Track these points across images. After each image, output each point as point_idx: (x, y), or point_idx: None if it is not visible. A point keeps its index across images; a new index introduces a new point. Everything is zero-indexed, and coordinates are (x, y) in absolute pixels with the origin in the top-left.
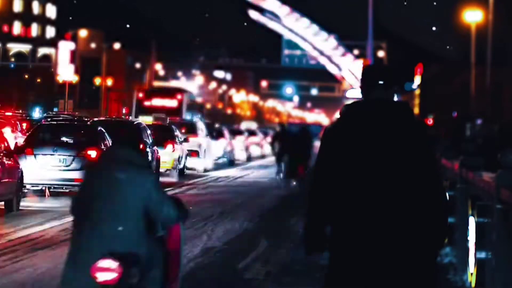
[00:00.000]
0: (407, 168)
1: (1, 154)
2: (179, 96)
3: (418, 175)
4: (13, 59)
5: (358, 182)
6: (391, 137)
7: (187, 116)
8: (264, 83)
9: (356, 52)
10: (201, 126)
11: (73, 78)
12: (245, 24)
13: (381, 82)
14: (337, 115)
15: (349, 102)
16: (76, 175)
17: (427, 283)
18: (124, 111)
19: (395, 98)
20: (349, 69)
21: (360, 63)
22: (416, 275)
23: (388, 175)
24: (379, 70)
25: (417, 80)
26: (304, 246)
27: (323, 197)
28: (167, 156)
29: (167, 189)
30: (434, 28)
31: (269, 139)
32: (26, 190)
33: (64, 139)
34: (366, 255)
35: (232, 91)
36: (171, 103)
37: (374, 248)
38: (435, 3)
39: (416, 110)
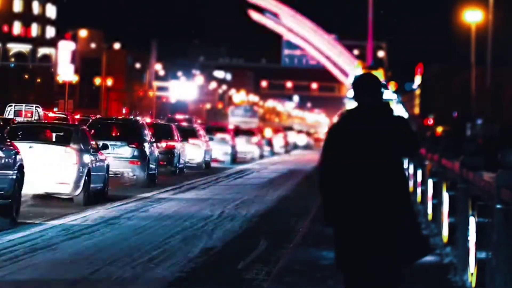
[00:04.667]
0: (390, 149)
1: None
2: None
3: (399, 144)
4: (13, 59)
5: (354, 164)
6: (377, 131)
7: None
8: (264, 83)
9: (356, 52)
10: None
11: (73, 78)
12: (245, 24)
13: (368, 90)
14: (336, 117)
15: (351, 103)
16: None
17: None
18: (124, 111)
19: (393, 98)
20: (349, 70)
21: (357, 64)
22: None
23: (375, 159)
24: (367, 79)
25: (417, 80)
26: (324, 218)
27: (330, 178)
28: None
29: (167, 188)
30: (433, 29)
31: None
32: None
33: None
34: (361, 212)
35: (232, 91)
36: None
37: (366, 206)
38: (435, 3)
39: (416, 110)
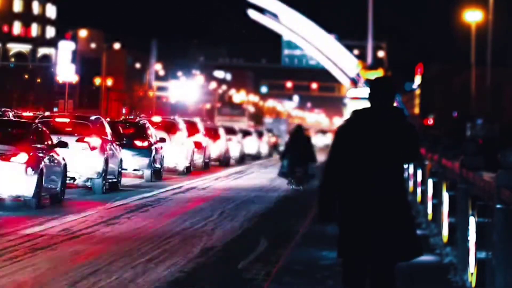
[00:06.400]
0: (396, 154)
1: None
2: None
3: (403, 155)
4: (13, 59)
5: (361, 166)
6: (385, 134)
7: None
8: (264, 89)
9: (356, 52)
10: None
11: (73, 78)
12: (245, 24)
13: (384, 94)
14: (345, 117)
15: (352, 103)
16: None
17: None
18: (124, 111)
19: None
20: (349, 70)
21: (357, 64)
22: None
23: (382, 162)
24: (383, 83)
25: (417, 80)
26: (318, 216)
27: (334, 177)
28: None
29: (166, 189)
30: (433, 29)
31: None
32: None
33: None
34: (366, 214)
35: (232, 91)
36: None
37: (371, 209)
38: (435, 3)
39: (416, 110)
